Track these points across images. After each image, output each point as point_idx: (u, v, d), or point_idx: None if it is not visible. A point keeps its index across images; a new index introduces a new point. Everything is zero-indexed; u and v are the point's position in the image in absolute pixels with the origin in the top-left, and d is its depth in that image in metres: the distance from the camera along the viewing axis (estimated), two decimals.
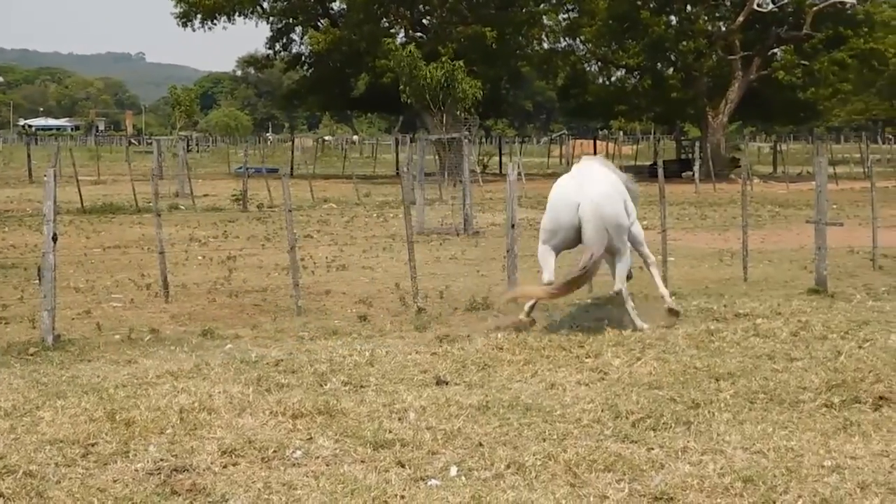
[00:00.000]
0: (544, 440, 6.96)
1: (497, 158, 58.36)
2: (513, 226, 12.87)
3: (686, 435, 7.06)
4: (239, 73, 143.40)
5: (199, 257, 18.06)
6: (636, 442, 6.92)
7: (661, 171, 16.01)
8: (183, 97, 55.40)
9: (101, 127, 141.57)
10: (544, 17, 56.72)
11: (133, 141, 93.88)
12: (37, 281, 11.70)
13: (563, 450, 6.69)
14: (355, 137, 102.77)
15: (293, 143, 66.77)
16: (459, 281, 15.13)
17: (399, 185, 36.17)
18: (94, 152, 61.44)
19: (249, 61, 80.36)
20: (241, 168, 36.67)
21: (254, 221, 25.63)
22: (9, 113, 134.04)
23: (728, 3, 53.17)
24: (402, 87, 43.30)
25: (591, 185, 11.07)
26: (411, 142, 39.88)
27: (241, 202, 29.61)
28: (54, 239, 10.56)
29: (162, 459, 6.62)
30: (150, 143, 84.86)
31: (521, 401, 7.91)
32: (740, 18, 50.83)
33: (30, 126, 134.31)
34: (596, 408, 7.69)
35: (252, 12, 56.25)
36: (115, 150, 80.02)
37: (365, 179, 44.43)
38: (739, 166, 44.22)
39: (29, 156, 46.15)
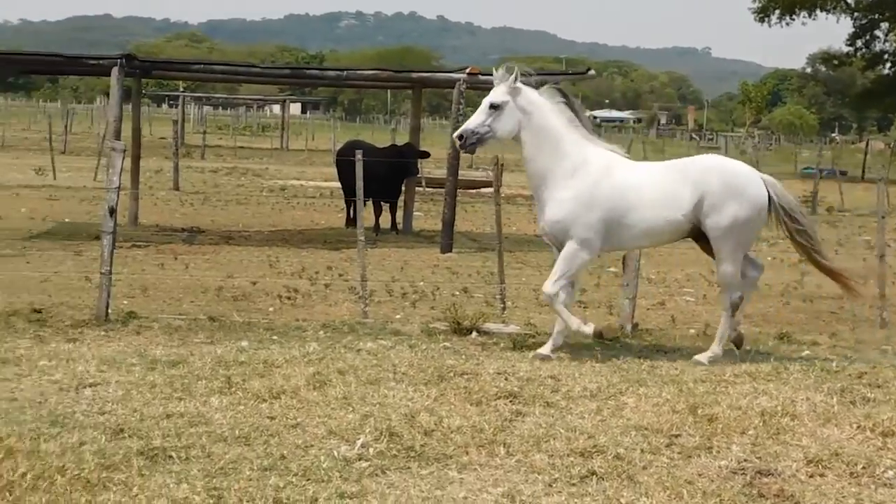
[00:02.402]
0: None
1: None
2: None
3: None
4: (808, 70, 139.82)
5: (769, 258, 17.79)
6: None
7: None
8: (754, 93, 54.85)
9: (663, 120, 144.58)
10: None
11: (694, 136, 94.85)
12: (612, 269, 12.22)
13: None
14: None
15: (867, 144, 63.76)
16: None
17: None
18: (656, 145, 62.85)
19: (823, 58, 77.96)
20: (810, 168, 35.66)
21: (823, 225, 24.85)
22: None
23: None
24: None
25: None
26: None
27: (810, 204, 28.82)
28: None
29: (745, 460, 6.57)
30: (711, 139, 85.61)
31: None
32: None
33: (595, 117, 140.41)
34: None
35: (836, 7, 54.40)
36: (677, 144, 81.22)
37: None
38: None
39: None
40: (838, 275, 10.12)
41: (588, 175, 9.38)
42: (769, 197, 9.61)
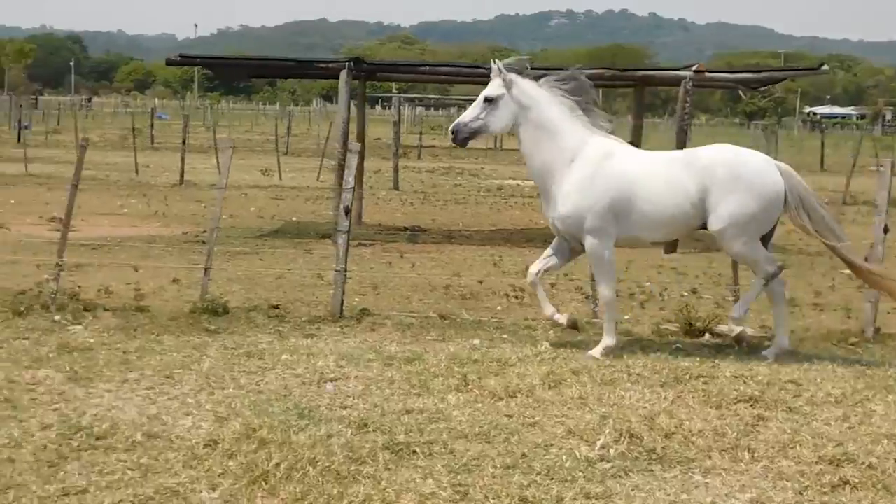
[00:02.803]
0: None
1: None
2: None
3: None
4: None
5: None
6: None
7: None
8: None
9: (889, 116, 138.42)
10: None
11: None
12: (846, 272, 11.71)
13: None
14: None
15: None
16: None
17: None
18: (884, 142, 60.20)
19: None
20: None
21: None
22: (795, 100, 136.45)
23: None
24: None
25: None
26: None
27: None
28: (885, 230, 10.39)
29: None
30: None
31: None
32: None
33: (815, 114, 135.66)
34: None
35: None
36: None
37: None
38: None
39: (822, 143, 46.61)
40: (867, 274, 9.50)
41: (586, 164, 9.13)
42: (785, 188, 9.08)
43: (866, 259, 9.83)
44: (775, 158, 9.67)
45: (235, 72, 28.12)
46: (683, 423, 6.94)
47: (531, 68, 9.57)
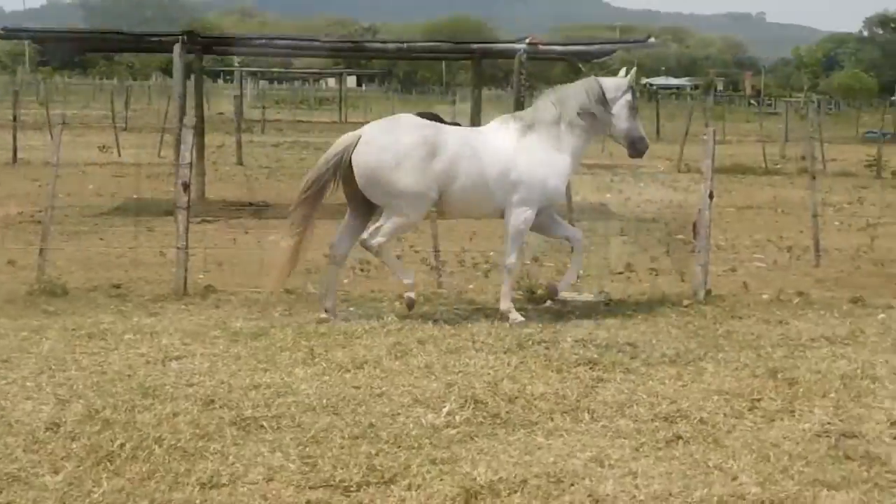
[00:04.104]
0: None
1: None
2: None
3: None
4: (865, 33, 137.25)
5: (836, 223, 17.67)
6: None
7: None
8: (807, 58, 54.13)
9: (720, 87, 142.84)
10: None
11: (752, 102, 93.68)
12: (681, 237, 12.24)
13: None
14: None
15: None
16: None
17: None
18: (716, 112, 62.18)
19: (880, 21, 76.77)
20: (872, 132, 35.21)
21: (889, 189, 24.58)
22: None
23: None
24: None
25: None
26: None
27: (874, 168, 28.47)
28: (711, 196, 10.83)
29: (829, 423, 6.60)
30: (770, 105, 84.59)
31: None
32: None
33: (651, 85, 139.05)
34: None
35: None
36: (734, 110, 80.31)
37: None
38: None
39: (657, 113, 47.87)
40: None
41: None
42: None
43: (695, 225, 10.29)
44: None
45: (66, 46, 27.32)
46: (526, 387, 7.14)
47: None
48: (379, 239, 9.31)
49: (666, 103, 73.80)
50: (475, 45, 20.82)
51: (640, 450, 6.07)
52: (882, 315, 10.06)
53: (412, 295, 9.46)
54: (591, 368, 7.71)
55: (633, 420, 6.59)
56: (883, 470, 5.84)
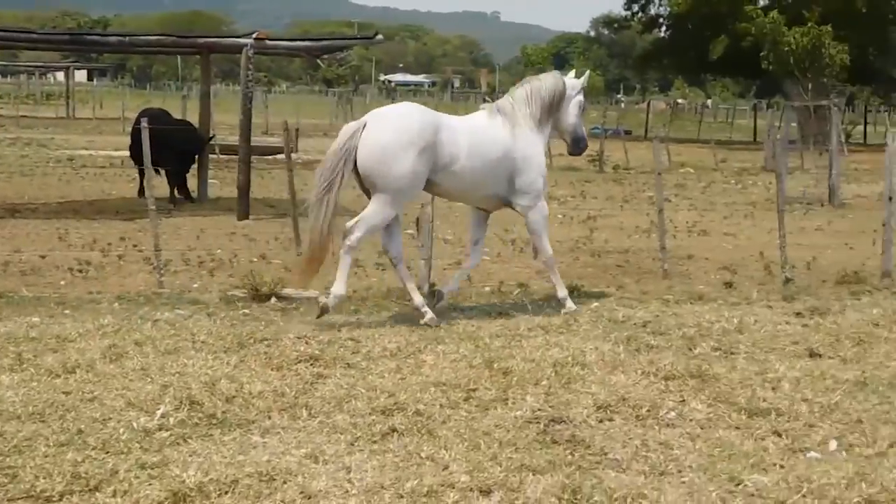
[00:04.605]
0: None
1: (861, 128, 55.52)
2: (890, 198, 12.37)
3: None
4: (592, 33, 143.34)
5: (559, 216, 18.36)
6: None
7: None
8: (535, 57, 56.17)
9: (457, 84, 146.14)
10: None
11: (487, 98, 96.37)
12: (412, 232, 12.41)
13: None
14: (709, 102, 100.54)
15: (648, 105, 66.29)
16: (827, 253, 14.65)
17: (759, 152, 35.63)
18: (452, 108, 63.58)
19: (605, 22, 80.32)
20: (596, 128, 36.86)
21: (610, 182, 25.79)
22: (371, 69, 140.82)
23: None
24: (764, 52, 42.09)
25: None
26: (768, 108, 38.77)
27: (597, 163, 29.79)
28: None
29: (539, 409, 6.83)
30: None
31: None
32: None
33: (389, 81, 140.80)
34: None
35: None
36: (470, 107, 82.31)
37: (721, 145, 43.48)
38: None
39: None
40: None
41: None
42: None
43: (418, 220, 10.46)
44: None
45: None
46: (244, 386, 7.06)
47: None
48: (357, 234, 9.24)
49: (404, 100, 74.73)
50: (201, 40, 20.44)
51: (356, 444, 6.11)
52: (595, 304, 10.51)
53: (329, 301, 9.25)
54: (311, 365, 7.71)
55: (351, 415, 6.62)
56: (587, 452, 6.09)
